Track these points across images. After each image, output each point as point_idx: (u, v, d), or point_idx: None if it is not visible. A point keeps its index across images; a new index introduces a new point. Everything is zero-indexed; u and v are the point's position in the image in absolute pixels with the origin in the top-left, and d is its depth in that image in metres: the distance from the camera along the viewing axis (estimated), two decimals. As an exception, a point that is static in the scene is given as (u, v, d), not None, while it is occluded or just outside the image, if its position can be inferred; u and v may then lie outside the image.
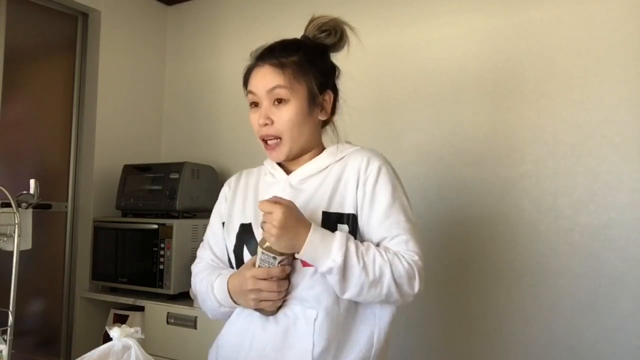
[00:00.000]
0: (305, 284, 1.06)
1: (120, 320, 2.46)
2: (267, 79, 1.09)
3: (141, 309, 2.40)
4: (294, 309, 1.07)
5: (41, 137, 2.67)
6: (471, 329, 2.13)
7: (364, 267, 1.00)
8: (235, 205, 1.23)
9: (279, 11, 2.68)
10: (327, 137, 1.23)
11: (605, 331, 1.89)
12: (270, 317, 1.08)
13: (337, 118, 1.22)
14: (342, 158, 1.15)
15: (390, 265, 1.02)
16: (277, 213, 0.97)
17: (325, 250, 0.99)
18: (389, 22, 2.39)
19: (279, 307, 1.08)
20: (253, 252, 1.11)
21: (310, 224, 1.01)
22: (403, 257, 1.04)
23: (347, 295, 1.02)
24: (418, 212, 2.21)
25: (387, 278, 1.01)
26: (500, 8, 2.15)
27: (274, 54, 1.12)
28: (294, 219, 0.99)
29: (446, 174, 2.22)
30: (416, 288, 1.04)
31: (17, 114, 2.55)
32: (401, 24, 2.37)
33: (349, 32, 1.20)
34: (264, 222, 1.01)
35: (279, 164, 1.19)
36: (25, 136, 2.60)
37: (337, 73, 1.21)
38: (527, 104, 2.07)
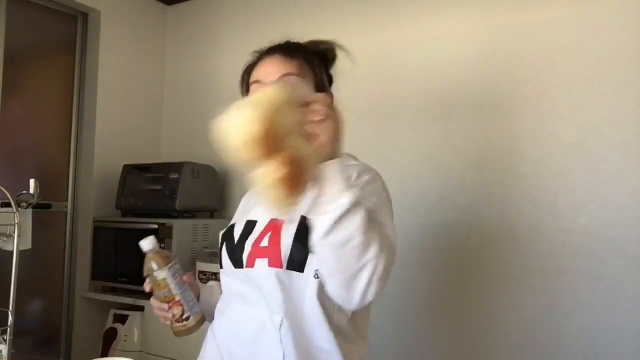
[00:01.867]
0: (270, 287, 1.01)
1: (120, 320, 2.46)
2: (278, 67, 1.09)
3: (141, 309, 2.40)
4: (262, 315, 1.03)
5: (41, 137, 2.67)
6: (471, 329, 2.13)
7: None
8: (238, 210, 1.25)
9: (279, 11, 2.68)
10: None
11: (605, 331, 1.89)
12: (240, 325, 1.05)
13: None
14: None
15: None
16: (322, 98, 0.82)
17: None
18: (389, 22, 2.39)
19: (188, 329, 1.09)
20: (229, 250, 1.11)
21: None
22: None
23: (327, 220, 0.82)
24: (418, 212, 2.24)
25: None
26: (500, 8, 2.15)
27: (283, 48, 1.13)
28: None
29: (446, 174, 2.22)
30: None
31: (17, 114, 2.55)
32: (401, 24, 2.37)
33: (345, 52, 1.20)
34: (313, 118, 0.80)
35: None
36: (25, 136, 2.60)
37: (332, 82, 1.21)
38: (527, 104, 2.07)
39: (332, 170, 0.83)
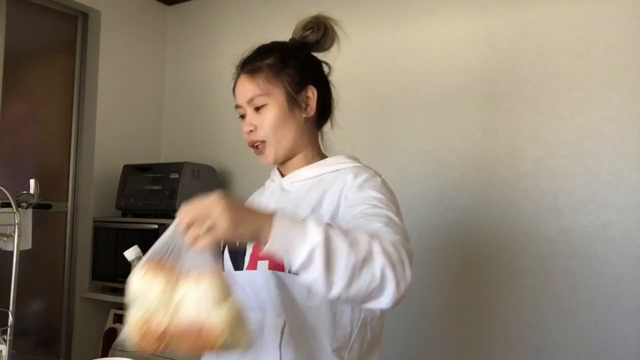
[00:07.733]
0: (271, 289, 1.01)
1: (120, 320, 2.46)
2: (244, 89, 1.10)
3: (141, 309, 2.39)
4: (260, 316, 1.01)
5: (41, 137, 2.67)
6: (470, 329, 2.13)
7: (351, 243, 0.78)
8: None
9: (279, 11, 2.68)
10: (330, 142, 1.20)
11: (605, 331, 1.89)
12: None
13: (329, 122, 1.17)
14: (338, 170, 1.09)
15: (377, 237, 0.81)
16: (210, 201, 0.81)
17: (299, 232, 0.77)
18: (388, 22, 2.39)
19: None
20: (231, 253, 1.11)
21: (270, 212, 0.80)
22: (386, 233, 0.86)
23: (336, 288, 0.77)
24: (418, 212, 2.23)
25: (378, 252, 0.79)
26: (500, 8, 2.15)
27: (250, 61, 1.12)
28: (233, 202, 0.80)
29: (446, 175, 2.22)
30: (408, 271, 0.81)
31: (17, 114, 2.55)
32: (401, 24, 2.37)
33: (337, 28, 1.18)
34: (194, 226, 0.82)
35: (279, 171, 1.18)
36: (25, 136, 2.60)
37: (324, 68, 1.17)
38: (527, 104, 2.07)
39: (278, 231, 0.77)
